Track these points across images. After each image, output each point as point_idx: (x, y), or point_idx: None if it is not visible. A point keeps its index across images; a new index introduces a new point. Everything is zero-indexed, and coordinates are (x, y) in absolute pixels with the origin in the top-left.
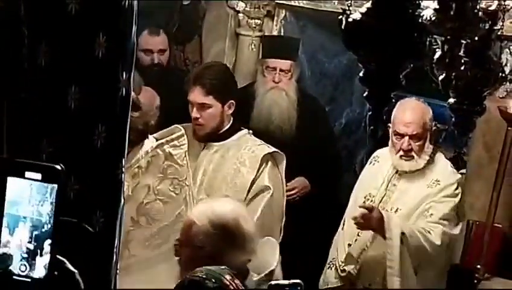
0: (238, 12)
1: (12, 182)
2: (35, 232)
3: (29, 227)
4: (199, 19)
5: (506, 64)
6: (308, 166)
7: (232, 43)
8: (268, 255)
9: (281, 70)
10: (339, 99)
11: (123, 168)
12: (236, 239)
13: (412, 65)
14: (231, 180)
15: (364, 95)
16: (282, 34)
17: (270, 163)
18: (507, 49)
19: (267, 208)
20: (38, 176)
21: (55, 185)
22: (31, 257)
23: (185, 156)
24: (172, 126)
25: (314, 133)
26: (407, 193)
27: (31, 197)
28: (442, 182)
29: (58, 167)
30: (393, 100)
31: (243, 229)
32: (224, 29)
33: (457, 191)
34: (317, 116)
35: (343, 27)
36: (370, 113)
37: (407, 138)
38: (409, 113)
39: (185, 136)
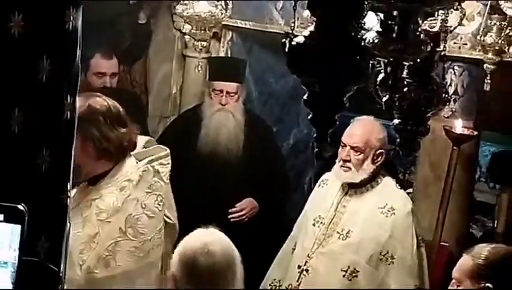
0: (185, 34)
1: None
2: None
3: (11, 272)
4: (148, 40)
5: (450, 85)
6: (256, 187)
7: (178, 65)
8: None
9: (227, 92)
10: (286, 119)
11: (68, 193)
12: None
13: (355, 87)
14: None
15: (309, 117)
16: (229, 55)
17: None
18: (451, 70)
19: None
20: (0, 217)
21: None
22: None
23: (169, 175)
24: (155, 146)
25: (261, 153)
26: (358, 214)
27: (12, 241)
28: (397, 211)
29: (20, 207)
30: (337, 122)
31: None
32: (170, 50)
33: (412, 221)
34: (265, 137)
35: (286, 50)
36: (315, 135)
37: (348, 148)
38: (356, 126)
39: (170, 156)
